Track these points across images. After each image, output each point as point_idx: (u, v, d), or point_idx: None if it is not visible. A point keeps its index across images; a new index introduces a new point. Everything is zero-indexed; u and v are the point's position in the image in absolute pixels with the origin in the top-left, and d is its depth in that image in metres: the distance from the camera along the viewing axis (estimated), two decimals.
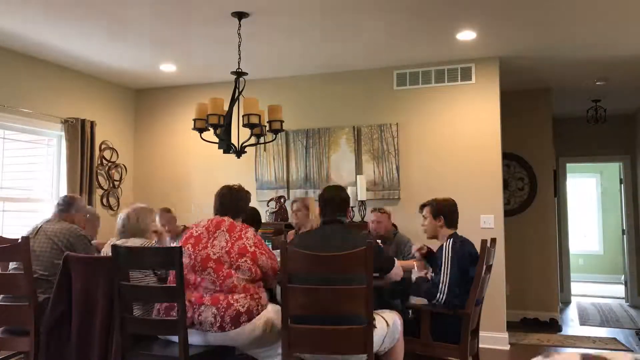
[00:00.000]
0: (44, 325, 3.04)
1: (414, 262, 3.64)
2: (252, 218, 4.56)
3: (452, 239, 3.29)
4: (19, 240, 3.09)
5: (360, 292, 2.44)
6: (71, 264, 3.03)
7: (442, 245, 3.31)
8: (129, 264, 2.82)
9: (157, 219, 4.52)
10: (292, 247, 2.61)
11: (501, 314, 4.90)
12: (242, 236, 2.79)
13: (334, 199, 2.87)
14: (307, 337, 2.52)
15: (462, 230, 4.90)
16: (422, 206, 3.53)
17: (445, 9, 3.92)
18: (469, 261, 3.21)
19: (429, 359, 3.32)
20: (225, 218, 2.91)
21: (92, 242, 3.59)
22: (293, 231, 4.48)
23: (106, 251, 3.26)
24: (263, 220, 5.35)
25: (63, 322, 3.02)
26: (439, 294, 3.13)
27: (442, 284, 3.14)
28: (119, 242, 3.20)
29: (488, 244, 3.21)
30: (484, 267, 3.11)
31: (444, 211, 3.40)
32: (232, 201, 2.99)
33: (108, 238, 3.67)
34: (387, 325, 2.80)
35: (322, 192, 2.96)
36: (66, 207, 3.57)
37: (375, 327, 2.68)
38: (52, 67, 5.24)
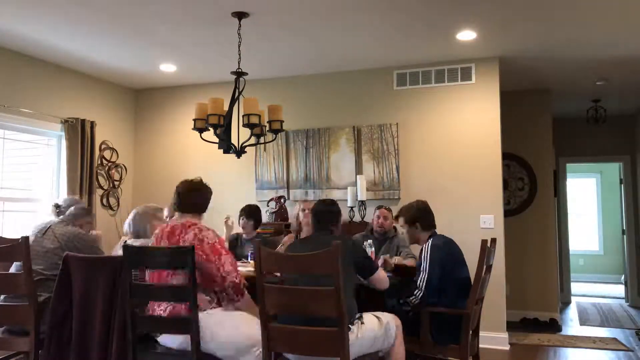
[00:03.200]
0: (45, 324, 3.04)
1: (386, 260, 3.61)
2: (254, 217, 4.57)
3: (430, 240, 3.33)
4: (20, 240, 3.09)
5: (327, 294, 2.37)
6: (71, 264, 3.03)
7: (422, 247, 3.35)
8: (139, 263, 2.79)
9: (165, 212, 4.63)
10: (265, 247, 2.63)
11: (501, 314, 4.89)
12: (180, 240, 2.74)
13: (324, 212, 3.06)
14: (284, 336, 2.52)
15: (462, 230, 4.91)
16: (397, 217, 3.59)
17: (446, 9, 3.92)
18: (452, 261, 3.24)
19: (429, 359, 3.32)
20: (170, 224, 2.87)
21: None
22: (292, 235, 4.47)
23: (116, 250, 3.30)
24: (263, 220, 5.35)
25: (64, 322, 3.02)
26: (416, 290, 3.19)
27: (420, 281, 3.19)
28: (130, 242, 3.24)
29: (488, 244, 3.21)
30: (484, 267, 3.11)
31: (417, 216, 3.44)
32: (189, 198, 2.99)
33: (108, 238, 3.70)
34: (379, 325, 2.79)
35: (314, 207, 3.12)
36: (81, 213, 3.64)
37: (364, 324, 2.69)
38: (52, 67, 5.24)
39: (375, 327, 2.76)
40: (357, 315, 2.73)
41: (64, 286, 3.03)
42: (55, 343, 3.01)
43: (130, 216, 3.46)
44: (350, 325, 2.60)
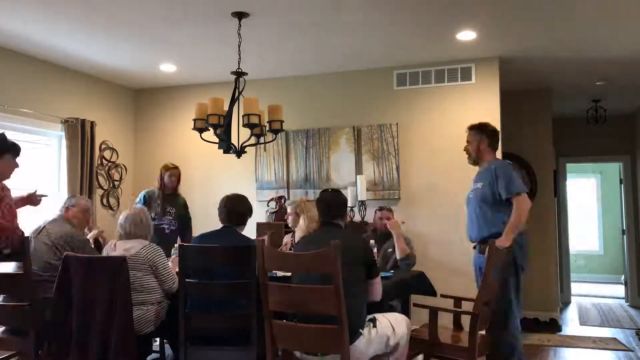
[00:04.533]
0: (44, 325, 3.04)
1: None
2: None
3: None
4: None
5: (327, 292, 2.39)
6: (71, 264, 3.03)
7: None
8: (198, 263, 2.98)
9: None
10: (268, 246, 2.68)
11: None
12: None
13: (330, 203, 2.95)
14: (286, 333, 2.57)
15: (463, 230, 4.91)
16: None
17: (446, 9, 3.92)
18: None
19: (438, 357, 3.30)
20: None
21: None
22: (290, 235, 4.43)
23: (107, 252, 3.27)
24: (263, 220, 5.35)
25: (64, 322, 3.02)
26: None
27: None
28: (120, 244, 3.22)
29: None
30: (491, 269, 3.10)
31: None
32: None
33: (109, 237, 3.69)
34: (392, 328, 2.77)
35: (319, 197, 3.03)
36: (69, 201, 3.65)
37: (375, 327, 2.68)
38: (52, 67, 5.24)
39: (388, 330, 2.74)
40: (369, 318, 2.69)
41: (63, 286, 3.03)
42: (55, 343, 3.01)
43: (128, 217, 3.29)
44: (360, 330, 2.58)
